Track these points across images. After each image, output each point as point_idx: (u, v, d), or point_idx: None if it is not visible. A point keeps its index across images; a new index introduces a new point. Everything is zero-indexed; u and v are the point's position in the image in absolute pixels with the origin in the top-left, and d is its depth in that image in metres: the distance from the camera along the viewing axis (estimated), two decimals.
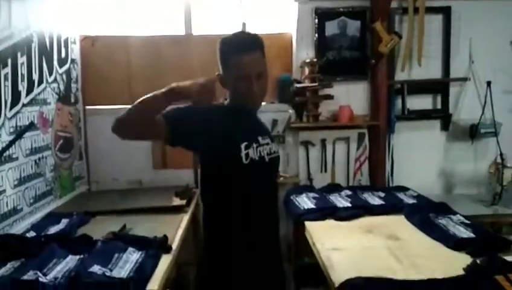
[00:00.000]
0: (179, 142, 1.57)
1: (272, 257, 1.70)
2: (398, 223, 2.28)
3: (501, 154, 3.02)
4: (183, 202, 2.61)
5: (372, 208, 2.50)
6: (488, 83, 3.32)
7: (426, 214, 2.29)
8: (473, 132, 3.35)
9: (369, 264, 1.71)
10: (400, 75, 3.38)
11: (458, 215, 2.30)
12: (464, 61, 3.39)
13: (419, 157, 3.42)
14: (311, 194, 2.79)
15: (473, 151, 3.46)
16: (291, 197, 2.77)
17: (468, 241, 1.91)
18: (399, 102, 3.39)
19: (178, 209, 2.53)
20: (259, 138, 1.64)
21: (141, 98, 1.43)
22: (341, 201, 2.64)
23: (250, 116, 1.70)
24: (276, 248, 1.74)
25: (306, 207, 2.52)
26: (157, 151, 3.29)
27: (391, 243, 1.99)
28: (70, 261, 1.71)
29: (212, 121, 1.54)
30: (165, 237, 1.93)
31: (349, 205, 2.55)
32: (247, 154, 1.56)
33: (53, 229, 2.17)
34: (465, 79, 3.40)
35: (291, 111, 3.33)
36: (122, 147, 3.22)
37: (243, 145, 1.56)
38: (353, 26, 3.35)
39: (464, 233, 2.02)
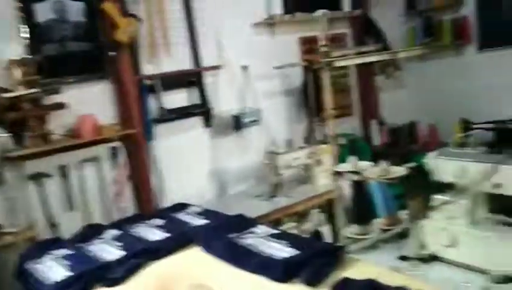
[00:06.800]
0: None
1: None
2: (198, 261, 1.65)
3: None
4: None
5: (155, 248, 1.77)
6: (244, 68, 3.07)
7: (225, 238, 1.73)
8: (237, 123, 3.07)
9: None
10: (149, 69, 2.75)
11: (259, 225, 1.86)
12: (214, 47, 3.02)
13: (188, 163, 2.96)
14: (61, 252, 1.85)
15: (240, 144, 3.18)
16: (28, 268, 1.76)
17: (297, 263, 1.44)
18: (153, 102, 2.78)
19: None
20: None
21: None
22: (109, 250, 1.81)
23: None
24: None
25: (54, 279, 1.58)
26: None
27: None
28: None
29: None
30: None
31: (123, 252, 1.75)
32: None
33: None
34: (217, 67, 3.03)
35: (4, 135, 2.26)
36: None
37: None
38: (74, 9, 2.50)
39: (282, 250, 1.56)
